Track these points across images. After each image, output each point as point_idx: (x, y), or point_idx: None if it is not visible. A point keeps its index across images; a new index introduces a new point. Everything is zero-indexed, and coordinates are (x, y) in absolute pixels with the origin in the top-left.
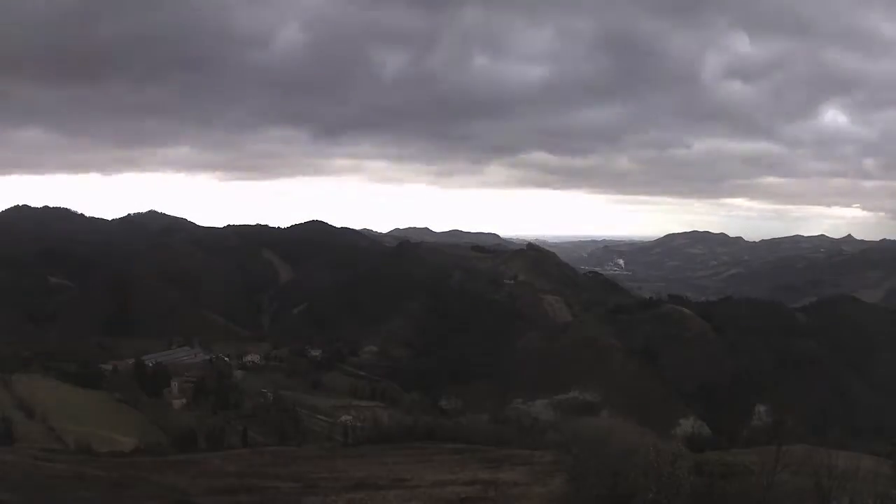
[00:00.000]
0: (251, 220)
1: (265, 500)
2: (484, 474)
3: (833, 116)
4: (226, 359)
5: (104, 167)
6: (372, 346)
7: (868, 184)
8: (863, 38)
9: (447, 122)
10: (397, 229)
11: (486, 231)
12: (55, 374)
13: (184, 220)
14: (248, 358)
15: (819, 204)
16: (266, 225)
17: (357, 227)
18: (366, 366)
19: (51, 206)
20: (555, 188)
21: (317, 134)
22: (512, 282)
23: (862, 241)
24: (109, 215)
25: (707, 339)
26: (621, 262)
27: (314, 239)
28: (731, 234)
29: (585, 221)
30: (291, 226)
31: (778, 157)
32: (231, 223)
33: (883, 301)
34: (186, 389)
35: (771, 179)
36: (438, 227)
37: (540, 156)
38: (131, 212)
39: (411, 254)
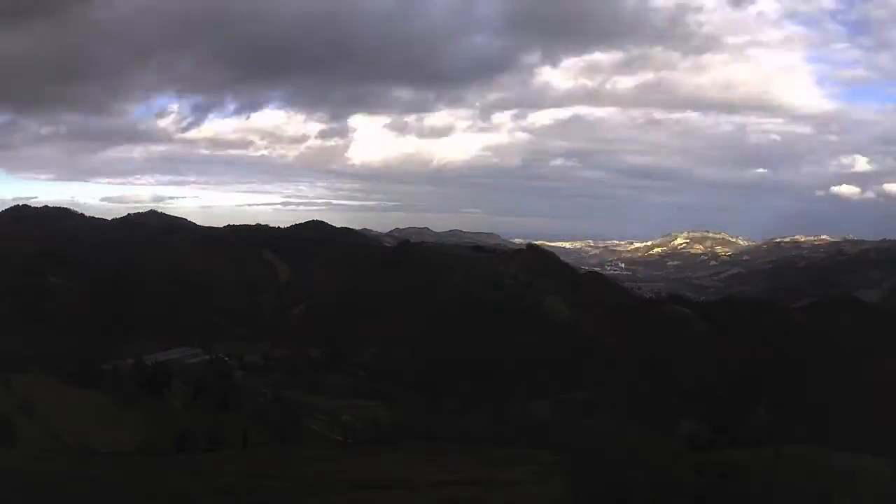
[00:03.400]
0: (251, 221)
1: (265, 500)
2: (484, 474)
3: None
4: (226, 359)
5: None
6: (372, 347)
7: None
8: None
9: None
10: (397, 229)
11: (486, 231)
12: (55, 374)
13: (184, 220)
14: (248, 358)
15: None
16: (266, 225)
17: (357, 227)
18: (366, 366)
19: (51, 205)
20: None
21: None
22: (512, 282)
23: (862, 241)
24: (109, 215)
25: (707, 339)
26: (622, 263)
27: (314, 239)
28: (731, 234)
29: None
30: (291, 226)
31: None
32: (231, 223)
33: (883, 301)
34: (186, 389)
35: None
36: (439, 227)
37: None
38: (131, 212)
39: (411, 254)
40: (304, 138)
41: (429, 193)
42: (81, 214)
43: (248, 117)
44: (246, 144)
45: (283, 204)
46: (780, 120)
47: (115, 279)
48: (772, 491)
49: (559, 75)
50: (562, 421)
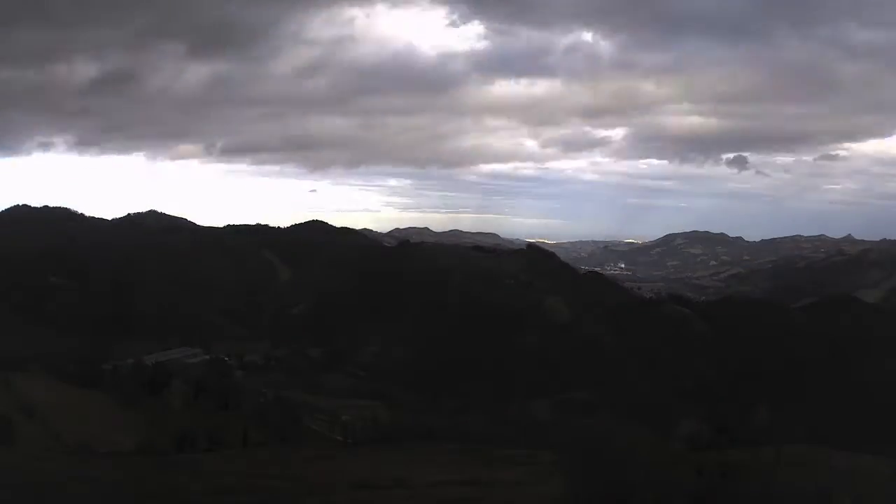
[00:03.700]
0: (251, 220)
1: (265, 500)
2: (484, 474)
3: None
4: (226, 359)
5: None
6: (372, 346)
7: None
8: None
9: None
10: (397, 229)
11: (486, 231)
12: (55, 374)
13: (184, 220)
14: (248, 358)
15: None
16: (266, 225)
17: (357, 226)
18: (366, 366)
19: (51, 205)
20: None
21: None
22: (512, 282)
23: (862, 241)
24: (109, 215)
25: (707, 339)
26: (622, 264)
27: (314, 239)
28: (731, 234)
29: None
30: (291, 226)
31: None
32: (231, 223)
33: (883, 301)
34: (186, 389)
35: None
36: (439, 227)
37: None
38: (131, 212)
39: (411, 254)
40: None
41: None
42: (81, 214)
43: None
44: None
45: None
46: None
47: (115, 279)
48: (772, 491)
49: None
50: (562, 421)
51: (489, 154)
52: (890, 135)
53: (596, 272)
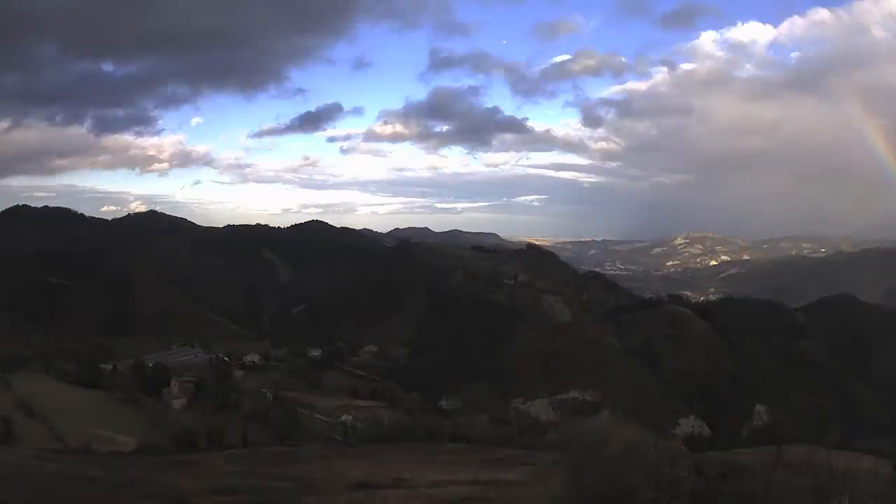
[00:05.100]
0: (251, 220)
1: (265, 500)
2: (484, 474)
3: None
4: (226, 359)
5: None
6: (372, 346)
7: None
8: None
9: None
10: (397, 229)
11: (486, 231)
12: (55, 374)
13: (184, 220)
14: (248, 358)
15: None
16: (266, 225)
17: (357, 227)
18: (366, 366)
19: (51, 205)
20: None
21: None
22: (512, 282)
23: (862, 241)
24: (109, 215)
25: (707, 339)
26: (620, 264)
27: (314, 239)
28: (731, 234)
29: None
30: (291, 226)
31: None
32: (231, 223)
33: (882, 301)
34: (186, 389)
35: None
36: (438, 227)
37: None
38: (131, 212)
39: (411, 254)
40: None
41: None
42: (81, 214)
43: None
44: None
45: None
46: None
47: (115, 279)
48: (772, 491)
49: None
50: (562, 421)
51: None
52: None
53: (596, 272)
